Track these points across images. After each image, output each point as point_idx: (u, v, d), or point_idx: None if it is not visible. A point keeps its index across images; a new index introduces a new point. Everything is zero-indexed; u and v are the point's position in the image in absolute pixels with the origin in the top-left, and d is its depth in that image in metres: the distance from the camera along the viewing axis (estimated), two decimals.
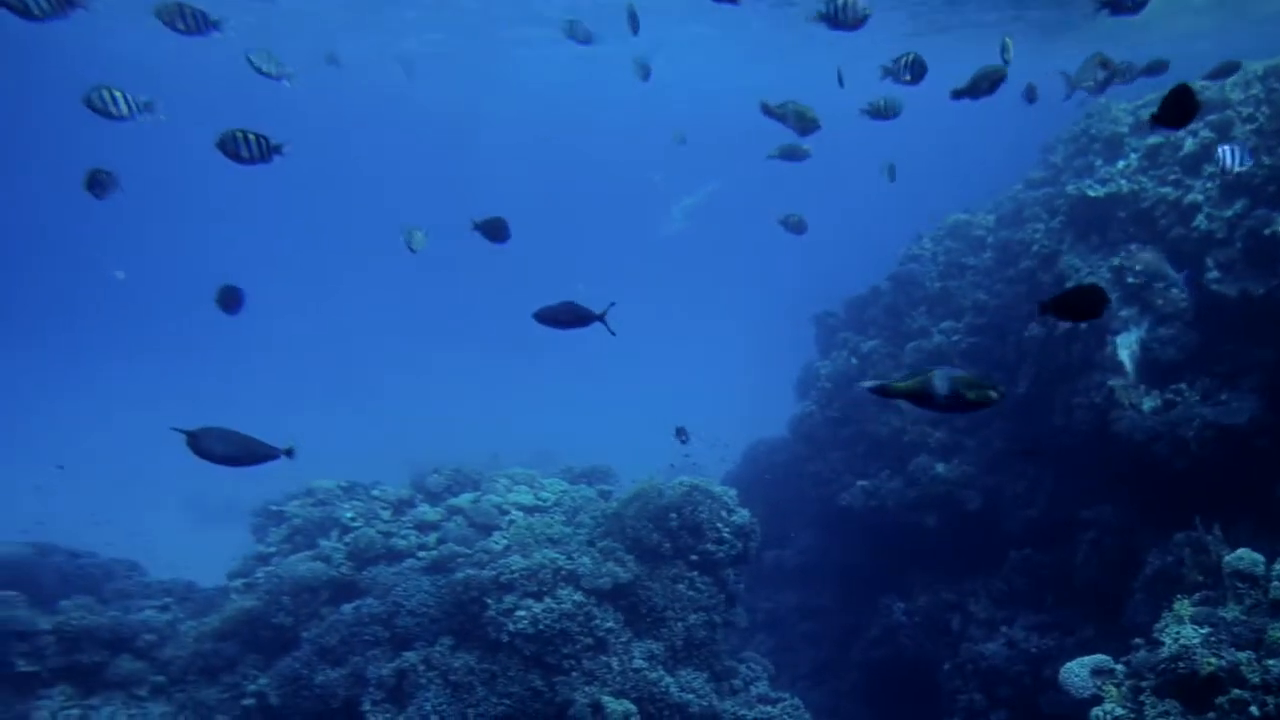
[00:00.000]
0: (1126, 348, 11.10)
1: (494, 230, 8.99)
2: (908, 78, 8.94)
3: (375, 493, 12.50)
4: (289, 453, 6.21)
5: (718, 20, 26.28)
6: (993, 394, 4.78)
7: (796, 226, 12.27)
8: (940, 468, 13.25)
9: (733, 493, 11.76)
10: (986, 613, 12.57)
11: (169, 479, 25.10)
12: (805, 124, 9.51)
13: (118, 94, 7.49)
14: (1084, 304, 5.99)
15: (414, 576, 10.94)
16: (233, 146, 7.28)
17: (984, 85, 8.80)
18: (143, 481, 25.94)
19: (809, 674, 15.02)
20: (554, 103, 44.83)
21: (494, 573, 10.47)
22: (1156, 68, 10.53)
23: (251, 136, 7.28)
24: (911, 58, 8.88)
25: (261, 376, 41.99)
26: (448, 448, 15.66)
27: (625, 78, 14.08)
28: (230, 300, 8.68)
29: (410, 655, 10.22)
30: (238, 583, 11.69)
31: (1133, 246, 11.39)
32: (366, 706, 10.00)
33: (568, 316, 7.48)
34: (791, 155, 10.56)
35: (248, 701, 10.30)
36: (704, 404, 30.04)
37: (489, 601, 10.26)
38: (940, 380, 4.78)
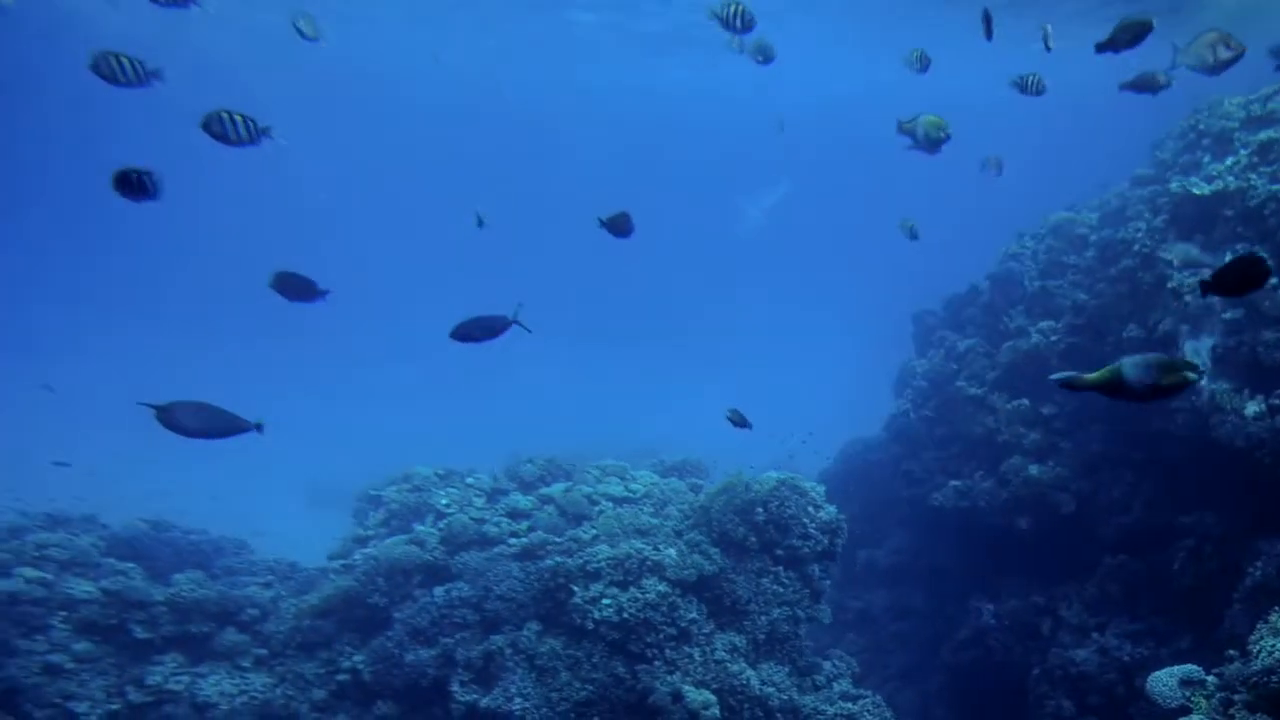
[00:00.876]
0: (1195, 356, 10.80)
1: (618, 226, 9.04)
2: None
3: (470, 480, 12.88)
4: (259, 427, 6.36)
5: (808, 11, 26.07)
6: (1191, 375, 4.48)
7: (911, 231, 12.22)
8: (1034, 469, 13.04)
9: (821, 489, 11.79)
10: (1078, 618, 12.35)
11: (290, 465, 26.27)
12: (932, 136, 9.32)
13: (124, 60, 7.39)
14: (1245, 277, 5.56)
15: (504, 562, 11.27)
16: (219, 128, 7.16)
17: (1124, 37, 8.40)
18: (267, 467, 27.05)
19: (898, 674, 14.99)
20: (628, 103, 45.05)
21: (581, 561, 10.73)
22: None
23: (239, 117, 7.17)
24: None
25: (376, 366, 43.41)
26: (551, 440, 16.00)
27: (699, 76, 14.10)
28: (296, 288, 7.95)
29: (498, 638, 10.55)
30: (336, 564, 12.18)
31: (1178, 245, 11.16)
32: (454, 687, 10.37)
33: (481, 330, 7.58)
34: (926, 146, 10.32)
35: (342, 677, 10.77)
36: (809, 401, 30.06)
37: (575, 589, 10.52)
38: (1131, 368, 4.53)
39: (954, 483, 13.94)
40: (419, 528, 12.00)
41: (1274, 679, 7.68)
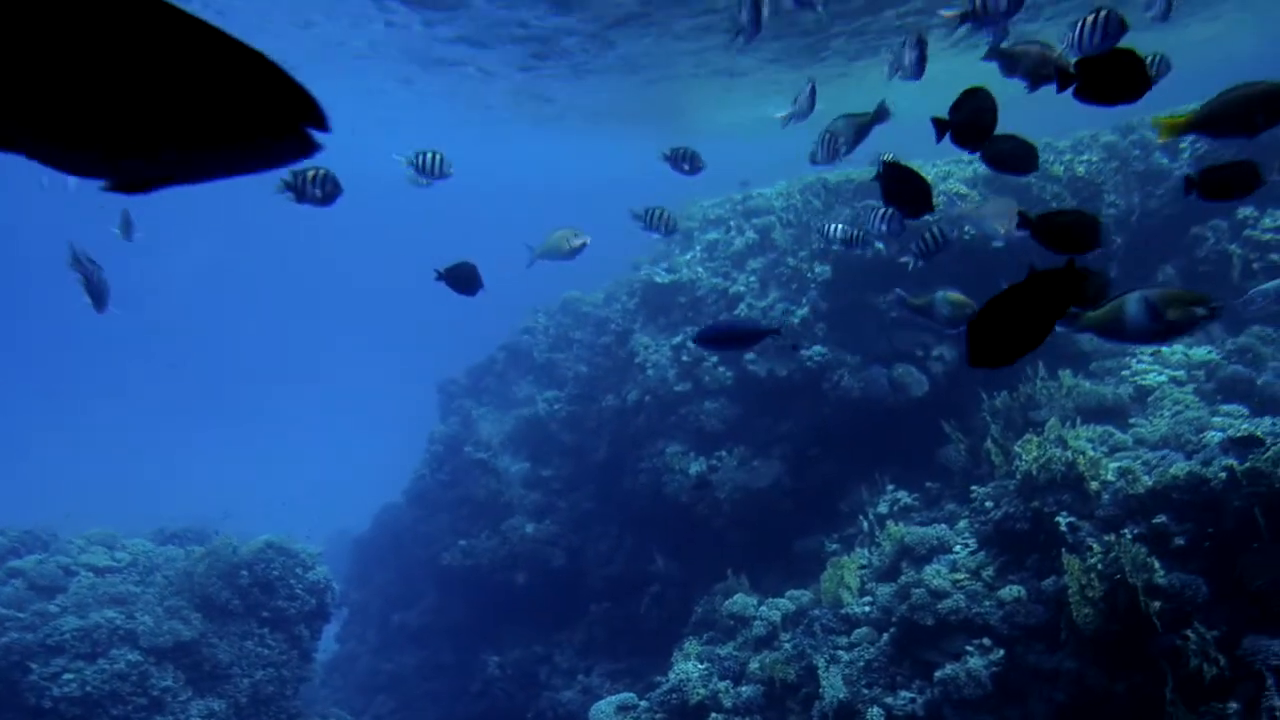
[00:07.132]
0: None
1: (463, 279, 7.25)
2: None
3: None
4: None
5: None
6: (1200, 311, 3.75)
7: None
8: (530, 528, 14.07)
9: (315, 550, 11.97)
10: (569, 663, 13.43)
11: None
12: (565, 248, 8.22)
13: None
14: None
15: None
16: None
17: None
18: None
19: None
20: None
21: (43, 635, 10.10)
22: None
23: None
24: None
25: None
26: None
27: None
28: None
29: None
30: None
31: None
32: None
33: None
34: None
35: None
36: (369, 464, 29.87)
37: (33, 666, 9.87)
38: (1135, 304, 3.83)
39: (461, 542, 14.66)
40: None
41: (675, 696, 8.96)
